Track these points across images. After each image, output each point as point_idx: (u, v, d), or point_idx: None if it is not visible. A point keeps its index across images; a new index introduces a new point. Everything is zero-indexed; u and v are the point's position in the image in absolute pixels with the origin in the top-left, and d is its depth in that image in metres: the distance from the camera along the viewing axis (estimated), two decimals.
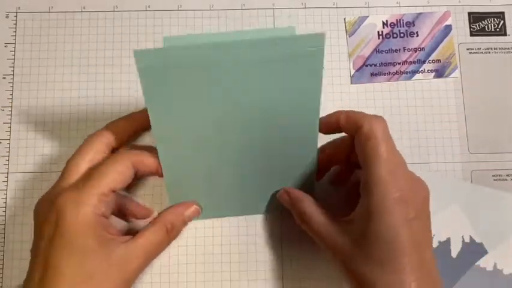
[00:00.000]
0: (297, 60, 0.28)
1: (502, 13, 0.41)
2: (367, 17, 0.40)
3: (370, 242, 0.28)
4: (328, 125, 0.33)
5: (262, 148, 0.33)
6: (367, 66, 0.40)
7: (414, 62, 0.40)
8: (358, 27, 0.40)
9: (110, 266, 0.29)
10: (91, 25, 0.39)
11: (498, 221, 0.37)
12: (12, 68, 0.39)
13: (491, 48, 0.40)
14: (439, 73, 0.40)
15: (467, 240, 0.37)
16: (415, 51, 0.40)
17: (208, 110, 0.30)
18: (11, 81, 0.38)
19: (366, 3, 0.41)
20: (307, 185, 0.35)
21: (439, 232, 0.37)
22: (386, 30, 0.40)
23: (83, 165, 0.31)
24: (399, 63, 0.40)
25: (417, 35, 0.40)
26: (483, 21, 0.40)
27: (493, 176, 0.38)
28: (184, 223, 0.34)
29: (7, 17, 0.39)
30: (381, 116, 0.31)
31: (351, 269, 0.29)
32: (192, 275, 0.36)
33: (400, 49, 0.40)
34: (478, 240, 0.37)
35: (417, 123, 0.39)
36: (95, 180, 0.29)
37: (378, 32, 0.40)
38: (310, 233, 0.32)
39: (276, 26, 0.40)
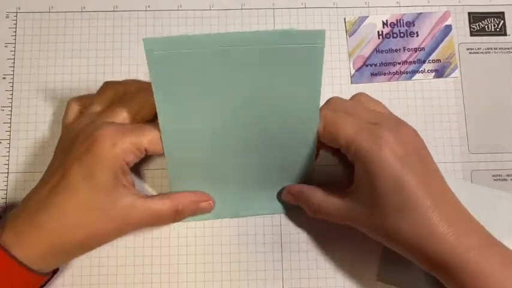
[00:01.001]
0: (298, 55, 0.29)
1: (502, 13, 0.41)
2: (367, 17, 0.40)
3: (380, 198, 0.29)
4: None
5: (263, 141, 0.33)
6: (367, 66, 0.40)
7: (414, 62, 0.40)
8: (358, 27, 0.40)
9: (114, 209, 0.30)
10: (91, 25, 0.39)
11: (498, 221, 0.37)
12: (12, 68, 0.39)
13: (491, 48, 0.40)
14: (439, 73, 0.40)
15: None
16: (415, 51, 0.40)
17: (212, 100, 0.30)
18: (11, 81, 0.38)
19: (366, 3, 0.41)
20: (307, 176, 0.35)
21: None
22: (386, 30, 0.40)
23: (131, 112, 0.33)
24: (399, 63, 0.40)
25: (417, 35, 0.40)
26: (483, 21, 0.40)
27: (493, 176, 0.38)
28: (194, 213, 0.35)
29: (7, 17, 0.39)
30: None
31: (378, 229, 0.30)
32: (192, 275, 0.36)
33: (400, 49, 0.40)
34: None
35: (417, 123, 0.39)
36: (138, 133, 0.31)
37: (378, 31, 0.40)
38: (327, 219, 0.33)
39: (276, 28, 0.40)
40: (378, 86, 0.39)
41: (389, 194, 0.28)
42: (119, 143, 0.30)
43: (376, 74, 0.39)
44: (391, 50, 0.40)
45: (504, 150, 0.38)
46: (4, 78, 0.38)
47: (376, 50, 0.40)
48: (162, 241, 0.36)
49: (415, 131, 0.31)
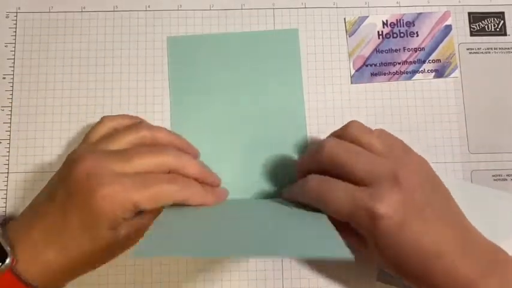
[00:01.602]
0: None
1: (502, 13, 0.41)
2: (367, 17, 0.40)
3: (398, 259, 0.29)
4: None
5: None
6: (367, 66, 0.40)
7: (414, 62, 0.40)
8: (358, 27, 0.40)
9: (116, 245, 0.31)
10: (91, 25, 0.39)
11: (498, 221, 0.37)
12: (12, 68, 0.39)
13: (491, 48, 0.40)
14: (439, 73, 0.40)
15: None
16: (415, 51, 0.40)
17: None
18: (11, 81, 0.38)
19: (366, 3, 0.41)
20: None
21: None
22: (386, 30, 0.40)
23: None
24: (399, 63, 0.40)
25: (417, 35, 0.40)
26: (483, 21, 0.40)
27: (493, 176, 0.38)
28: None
29: (7, 17, 0.39)
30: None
31: (395, 269, 0.31)
32: (192, 274, 0.36)
33: (400, 49, 0.40)
34: None
35: (417, 123, 0.39)
36: (141, 191, 0.29)
37: (378, 31, 0.40)
38: None
39: (276, 28, 0.40)
40: (377, 86, 0.39)
41: (407, 259, 0.29)
42: (121, 206, 0.29)
43: (376, 74, 0.39)
44: (391, 50, 0.40)
45: (504, 150, 0.38)
46: (4, 78, 0.38)
47: (376, 50, 0.40)
48: None
49: (421, 165, 0.31)
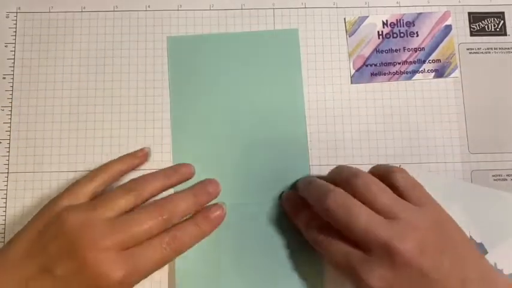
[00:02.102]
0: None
1: (502, 13, 0.41)
2: (367, 17, 0.40)
3: None
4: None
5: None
6: (367, 66, 0.40)
7: (414, 62, 0.40)
8: (358, 27, 0.40)
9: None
10: (91, 25, 0.39)
11: (498, 221, 0.37)
12: (12, 68, 0.39)
13: (491, 48, 0.40)
14: (439, 73, 0.40)
15: None
16: (415, 51, 0.40)
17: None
18: (11, 81, 0.38)
19: (366, 3, 0.41)
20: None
21: None
22: (386, 30, 0.40)
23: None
24: (399, 63, 0.40)
25: (417, 35, 0.40)
26: (483, 21, 0.40)
27: (493, 176, 0.38)
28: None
29: (7, 17, 0.39)
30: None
31: None
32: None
33: (400, 49, 0.40)
34: (478, 240, 0.37)
35: (417, 123, 0.39)
36: (135, 262, 0.30)
37: (378, 31, 0.40)
38: None
39: (276, 27, 0.40)
40: (378, 86, 0.39)
41: None
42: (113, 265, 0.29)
43: (376, 74, 0.39)
44: (391, 50, 0.40)
45: (504, 150, 0.38)
46: (4, 78, 0.38)
47: (376, 50, 0.40)
48: None
49: (432, 227, 0.29)
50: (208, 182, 0.35)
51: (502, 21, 0.40)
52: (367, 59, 0.40)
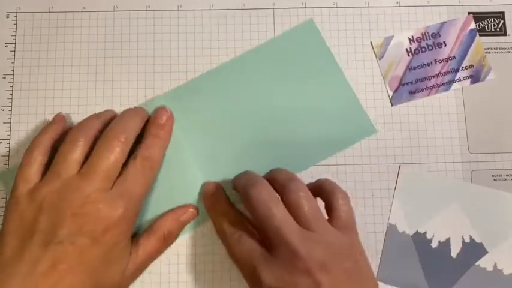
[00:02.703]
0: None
1: (502, 13, 0.41)
2: (393, 36, 0.40)
3: None
4: None
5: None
6: (403, 85, 0.39)
7: (448, 72, 0.39)
8: (386, 48, 0.40)
9: (121, 275, 0.31)
10: (91, 25, 0.39)
11: (498, 221, 0.37)
12: (12, 68, 0.39)
13: (491, 48, 0.40)
14: (475, 78, 0.39)
15: (467, 240, 0.37)
16: (447, 61, 0.40)
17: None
18: (11, 81, 0.38)
19: (366, 3, 0.41)
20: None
21: (439, 232, 0.37)
22: (414, 46, 0.40)
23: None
24: (434, 76, 0.39)
25: (445, 45, 0.40)
26: (483, 21, 0.40)
27: (493, 176, 0.38)
28: (181, 227, 0.35)
29: (7, 17, 0.39)
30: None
31: None
32: (192, 274, 0.36)
33: (431, 62, 0.40)
34: (478, 240, 0.37)
35: (417, 123, 0.39)
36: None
37: (407, 49, 0.40)
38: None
39: (276, 27, 0.40)
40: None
41: None
42: (133, 225, 0.32)
43: (414, 92, 0.39)
44: (423, 65, 0.39)
45: (504, 150, 0.38)
46: (4, 78, 0.38)
47: (409, 68, 0.39)
48: None
49: (341, 249, 0.30)
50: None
51: (502, 21, 0.40)
52: (402, 78, 0.39)
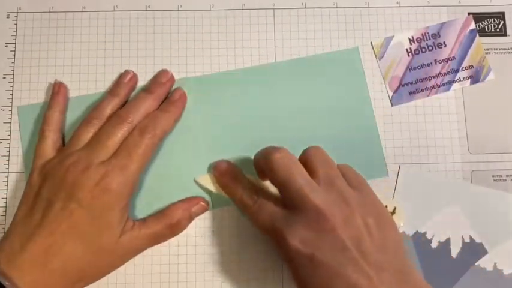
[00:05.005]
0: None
1: (502, 13, 0.41)
2: (393, 36, 0.40)
3: None
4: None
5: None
6: (403, 85, 0.39)
7: (448, 73, 0.39)
8: (386, 48, 0.40)
9: (119, 245, 0.32)
10: (91, 25, 0.39)
11: (498, 221, 0.37)
12: (12, 68, 0.39)
13: (491, 49, 0.40)
14: (475, 79, 0.39)
15: (467, 240, 0.37)
16: (447, 62, 0.40)
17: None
18: (11, 81, 0.38)
19: (366, 3, 0.41)
20: None
21: (439, 232, 0.37)
22: (414, 46, 0.40)
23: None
24: (434, 77, 0.39)
25: (445, 45, 0.40)
26: (483, 22, 0.40)
27: (493, 176, 0.38)
28: (191, 219, 0.35)
29: (7, 17, 0.39)
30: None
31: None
32: (192, 274, 0.36)
33: (431, 62, 0.40)
34: (478, 240, 0.37)
35: (417, 123, 0.39)
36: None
37: (407, 49, 0.40)
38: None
39: (276, 27, 0.40)
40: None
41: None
42: (127, 195, 0.33)
43: (414, 92, 0.39)
44: (423, 65, 0.39)
45: (504, 150, 0.38)
46: (4, 78, 0.38)
47: (409, 68, 0.39)
48: None
49: (368, 204, 0.31)
50: (158, 74, 0.38)
51: (502, 22, 0.40)
52: (402, 78, 0.39)
